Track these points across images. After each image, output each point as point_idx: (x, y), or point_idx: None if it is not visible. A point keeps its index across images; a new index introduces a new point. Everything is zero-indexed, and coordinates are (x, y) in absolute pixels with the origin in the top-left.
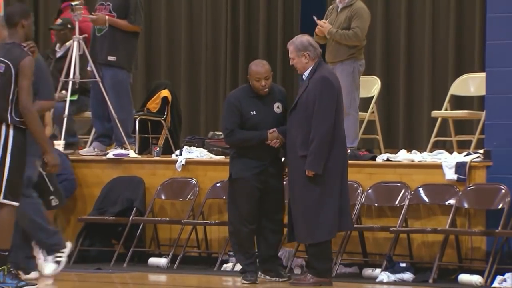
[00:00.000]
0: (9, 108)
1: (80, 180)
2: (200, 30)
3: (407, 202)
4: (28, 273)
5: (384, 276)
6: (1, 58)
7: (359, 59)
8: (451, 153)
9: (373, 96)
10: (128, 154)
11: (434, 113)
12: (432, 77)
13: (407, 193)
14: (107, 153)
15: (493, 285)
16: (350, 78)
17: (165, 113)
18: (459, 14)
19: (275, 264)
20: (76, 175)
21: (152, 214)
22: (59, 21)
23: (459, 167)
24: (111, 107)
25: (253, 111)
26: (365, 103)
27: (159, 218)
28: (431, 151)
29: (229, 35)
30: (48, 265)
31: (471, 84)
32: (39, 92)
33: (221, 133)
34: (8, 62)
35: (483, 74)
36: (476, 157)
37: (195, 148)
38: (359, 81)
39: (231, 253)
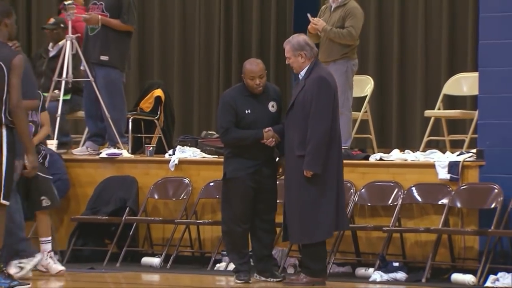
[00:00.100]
0: (3, 108)
1: (73, 180)
2: (193, 30)
3: (400, 201)
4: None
5: (377, 275)
6: None
7: (352, 58)
8: (444, 152)
9: (366, 96)
10: (121, 153)
11: (427, 112)
12: (425, 77)
13: (400, 193)
14: (100, 153)
15: (486, 285)
16: (343, 77)
17: (158, 113)
18: (451, 13)
19: (270, 264)
20: (69, 174)
21: (145, 213)
22: (52, 20)
23: (452, 166)
24: (104, 106)
25: (248, 110)
26: (358, 102)
27: (152, 218)
28: (424, 151)
29: (222, 34)
30: (10, 268)
31: (464, 83)
32: (24, 92)
33: (214, 132)
34: (0, 62)
35: (476, 74)
36: (469, 157)
37: (188, 147)
38: (352, 81)
39: (224, 252)
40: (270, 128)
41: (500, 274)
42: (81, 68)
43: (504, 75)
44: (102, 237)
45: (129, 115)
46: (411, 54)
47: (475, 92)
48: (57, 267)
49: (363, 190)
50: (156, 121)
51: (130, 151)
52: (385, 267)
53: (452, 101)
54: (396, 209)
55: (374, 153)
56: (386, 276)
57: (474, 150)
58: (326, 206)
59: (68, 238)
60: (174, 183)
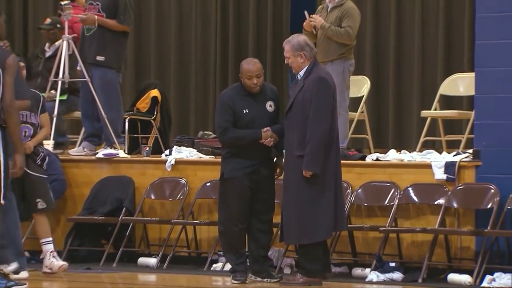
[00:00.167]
0: None
1: (69, 180)
2: (190, 30)
3: (396, 201)
4: (18, 273)
5: (373, 275)
6: None
7: (349, 58)
8: (440, 153)
9: (362, 96)
10: (118, 154)
11: (424, 113)
12: (421, 77)
13: (396, 193)
14: (97, 153)
15: (482, 285)
16: (340, 77)
17: (155, 113)
18: (448, 14)
19: (266, 265)
20: (65, 175)
21: (141, 214)
22: (48, 20)
23: (449, 166)
24: (100, 107)
25: (245, 110)
26: (354, 103)
27: (149, 218)
28: (420, 151)
29: (219, 35)
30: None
31: (460, 84)
32: (15, 92)
33: (210, 132)
34: None
35: (472, 74)
36: (466, 157)
37: (184, 147)
38: (349, 81)
39: (221, 253)
40: (268, 128)
41: (496, 274)
42: (78, 68)
43: (501, 76)
44: (98, 237)
45: (125, 115)
46: (407, 55)
47: (472, 92)
48: (59, 263)
49: (359, 190)
50: (152, 121)
51: (126, 152)
52: (382, 267)
53: (449, 102)
54: (393, 209)
55: (370, 153)
56: (382, 276)
57: (471, 151)
58: (325, 206)
59: (64, 239)
60: (171, 184)
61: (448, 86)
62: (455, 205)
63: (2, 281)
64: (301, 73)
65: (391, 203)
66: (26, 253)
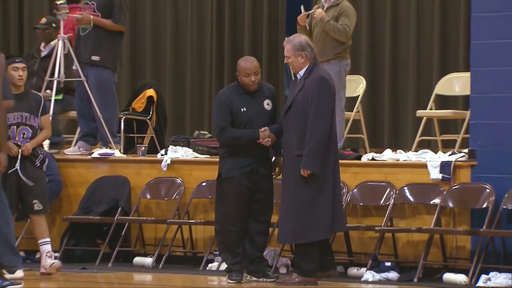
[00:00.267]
0: None
1: (65, 180)
2: (186, 30)
3: (392, 201)
4: (13, 272)
5: (369, 275)
6: None
7: (345, 58)
8: (436, 152)
9: (358, 96)
10: (113, 153)
11: (419, 112)
12: (417, 77)
13: (392, 193)
14: (92, 153)
15: (477, 284)
16: (336, 77)
17: (150, 113)
18: (443, 13)
19: (261, 265)
20: (61, 174)
21: (137, 213)
22: (43, 20)
23: (444, 166)
24: (95, 106)
25: (243, 108)
26: (350, 102)
27: (144, 218)
28: (416, 151)
29: (214, 35)
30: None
31: (455, 83)
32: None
33: (206, 132)
34: None
35: (468, 74)
36: (461, 157)
37: (180, 147)
38: (345, 81)
39: (217, 252)
40: (266, 128)
41: (491, 274)
42: (74, 68)
43: (496, 75)
44: (94, 237)
45: (121, 115)
46: (403, 54)
47: (467, 92)
48: (51, 261)
49: (355, 190)
50: (148, 121)
51: (122, 151)
52: (377, 267)
53: (444, 101)
54: (388, 209)
55: (366, 153)
56: (378, 276)
57: (466, 150)
58: (322, 206)
59: (60, 238)
60: (166, 183)
61: (443, 86)
62: (450, 204)
63: None
64: (301, 72)
65: (387, 203)
66: (22, 253)
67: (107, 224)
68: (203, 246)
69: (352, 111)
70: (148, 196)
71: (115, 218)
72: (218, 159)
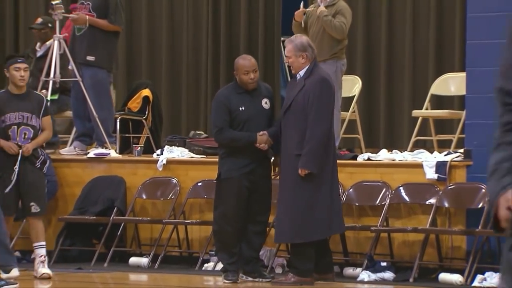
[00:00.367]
0: None
1: (60, 180)
2: (181, 30)
3: (387, 201)
4: (8, 271)
5: (365, 275)
6: None
7: (341, 58)
8: (431, 152)
9: (354, 96)
10: (109, 153)
11: (415, 112)
12: (412, 77)
13: (388, 193)
14: (88, 153)
15: (473, 284)
16: (333, 77)
17: (146, 113)
18: (439, 14)
19: (257, 265)
20: (56, 174)
21: (133, 213)
22: (39, 20)
23: (440, 166)
24: (91, 106)
25: (242, 107)
26: (346, 102)
27: (140, 218)
28: (411, 151)
29: (210, 35)
30: None
31: (451, 83)
32: None
33: (202, 132)
34: None
35: (463, 74)
36: (457, 157)
37: (176, 147)
38: (341, 81)
39: (212, 252)
40: (265, 132)
41: (487, 274)
42: (69, 67)
43: (492, 75)
44: (89, 237)
45: (116, 115)
46: (399, 54)
47: (463, 92)
48: (42, 270)
49: (351, 190)
50: (144, 121)
51: (118, 151)
52: (373, 267)
53: (440, 101)
54: (384, 209)
55: (362, 153)
56: (374, 276)
57: (462, 150)
58: (320, 206)
59: (55, 238)
60: (162, 183)
61: (439, 86)
62: (446, 204)
63: None
64: (301, 73)
65: (383, 203)
66: (17, 253)
67: (103, 224)
68: (199, 246)
69: (347, 111)
70: (144, 196)
71: (111, 218)
72: (214, 159)
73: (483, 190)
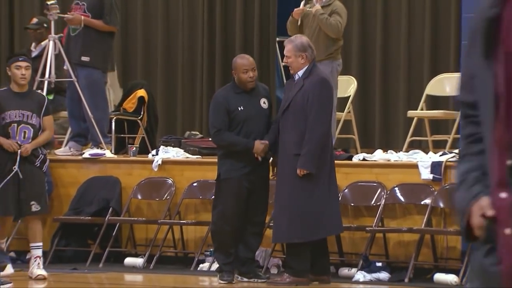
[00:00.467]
0: None
1: (56, 180)
2: (177, 30)
3: (383, 201)
4: (3, 269)
5: (360, 275)
6: None
7: (336, 59)
8: (426, 153)
9: (349, 96)
10: (104, 154)
11: (410, 113)
12: (408, 77)
13: (383, 193)
14: (83, 153)
15: None
16: None
17: (142, 113)
18: (434, 14)
19: (252, 266)
20: (52, 175)
21: (128, 214)
22: (34, 20)
23: (435, 166)
24: (86, 106)
25: (240, 107)
26: (341, 103)
27: (135, 218)
28: (407, 151)
29: (205, 35)
30: None
31: (446, 84)
32: None
33: (197, 133)
34: None
35: (459, 74)
36: (452, 157)
37: (171, 148)
38: (337, 81)
39: (207, 253)
40: (266, 142)
41: None
42: (65, 68)
43: None
44: (85, 237)
45: (112, 115)
46: (394, 55)
47: None
48: (37, 271)
49: (346, 190)
50: (139, 121)
51: (113, 152)
52: (368, 267)
53: (435, 102)
54: (379, 209)
55: (357, 153)
56: (369, 276)
57: (457, 150)
58: (318, 206)
59: (50, 239)
60: (158, 184)
61: (434, 86)
62: (441, 205)
63: None
64: (300, 73)
65: (378, 203)
66: (12, 253)
67: (98, 224)
68: (194, 246)
69: (343, 112)
70: (139, 197)
71: (106, 218)
72: (209, 160)
73: None
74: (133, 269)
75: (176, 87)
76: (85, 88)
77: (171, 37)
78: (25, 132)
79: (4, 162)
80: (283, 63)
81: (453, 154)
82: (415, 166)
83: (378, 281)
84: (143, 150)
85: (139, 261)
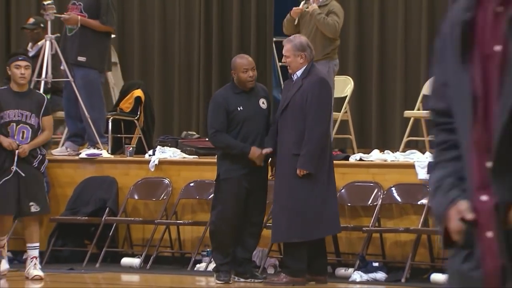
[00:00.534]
0: None
1: (52, 180)
2: (173, 30)
3: (379, 201)
4: None
5: (357, 275)
6: None
7: (333, 59)
8: (423, 153)
9: (346, 96)
10: (101, 154)
11: (407, 113)
12: (404, 77)
13: (380, 193)
14: (80, 153)
15: None
16: None
17: (138, 113)
18: (431, 14)
19: (249, 266)
20: (48, 175)
21: (125, 214)
22: (31, 20)
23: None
24: (83, 106)
25: (240, 107)
26: (338, 103)
27: (132, 218)
28: (403, 151)
29: (202, 35)
30: None
31: None
32: None
33: (194, 133)
34: None
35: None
36: None
37: (168, 148)
38: (333, 81)
39: (204, 253)
40: (267, 150)
41: None
42: (62, 68)
43: None
44: (81, 237)
45: (108, 115)
46: (391, 55)
47: None
48: (34, 272)
49: (343, 190)
50: (136, 121)
51: (109, 152)
52: (365, 267)
53: None
54: (376, 209)
55: (354, 153)
56: (366, 276)
57: None
58: (317, 206)
59: (47, 239)
60: (154, 184)
61: None
62: None
63: None
64: (298, 73)
65: (375, 203)
66: (9, 253)
67: (95, 224)
68: (191, 246)
69: (339, 112)
70: (136, 197)
71: (103, 218)
72: (206, 160)
73: None
74: (129, 269)
75: (172, 87)
76: (81, 88)
77: (167, 37)
78: (23, 132)
79: (2, 160)
80: (282, 63)
81: None
82: (411, 166)
83: (375, 281)
84: (140, 150)
85: (135, 261)
